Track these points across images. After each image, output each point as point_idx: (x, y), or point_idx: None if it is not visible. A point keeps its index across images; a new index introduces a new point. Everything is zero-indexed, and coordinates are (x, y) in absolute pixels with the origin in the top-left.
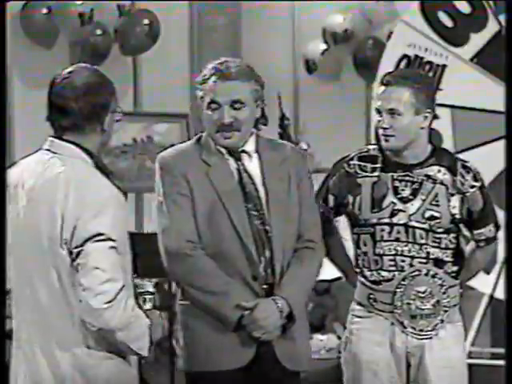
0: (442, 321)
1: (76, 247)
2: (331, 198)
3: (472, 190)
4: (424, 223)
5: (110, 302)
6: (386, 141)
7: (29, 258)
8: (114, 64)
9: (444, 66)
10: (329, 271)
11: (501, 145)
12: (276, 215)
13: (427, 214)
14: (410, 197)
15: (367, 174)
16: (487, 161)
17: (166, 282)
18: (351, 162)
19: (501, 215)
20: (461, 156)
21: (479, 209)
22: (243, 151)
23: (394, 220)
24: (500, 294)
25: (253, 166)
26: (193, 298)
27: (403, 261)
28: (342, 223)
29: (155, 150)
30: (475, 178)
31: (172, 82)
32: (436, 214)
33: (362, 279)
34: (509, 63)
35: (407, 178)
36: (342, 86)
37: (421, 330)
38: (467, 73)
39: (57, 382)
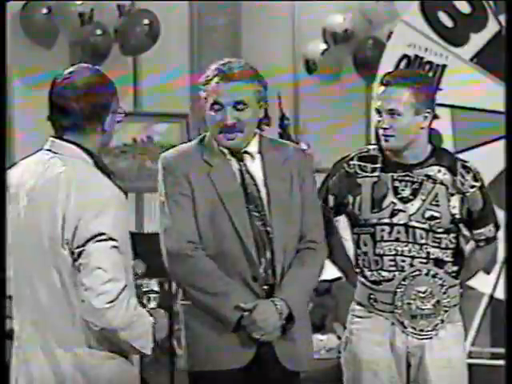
0: (443, 321)
1: (78, 247)
2: (331, 198)
3: (472, 190)
4: (424, 223)
5: (112, 301)
6: (386, 141)
7: (29, 259)
8: (113, 64)
9: (444, 66)
10: (329, 271)
11: (501, 145)
12: (277, 216)
13: (427, 214)
14: (410, 197)
15: (367, 174)
16: (487, 161)
17: (167, 282)
18: (351, 162)
19: (501, 215)
20: (461, 156)
21: (479, 209)
22: (246, 152)
23: (394, 220)
24: (500, 294)
25: (255, 166)
26: (193, 298)
27: (403, 261)
28: (341, 223)
29: (155, 150)
30: (475, 178)
31: (172, 82)
32: (436, 214)
33: (362, 279)
34: (509, 63)
35: (407, 178)
36: (341, 86)
37: (421, 330)
38: (467, 73)
39: (58, 382)
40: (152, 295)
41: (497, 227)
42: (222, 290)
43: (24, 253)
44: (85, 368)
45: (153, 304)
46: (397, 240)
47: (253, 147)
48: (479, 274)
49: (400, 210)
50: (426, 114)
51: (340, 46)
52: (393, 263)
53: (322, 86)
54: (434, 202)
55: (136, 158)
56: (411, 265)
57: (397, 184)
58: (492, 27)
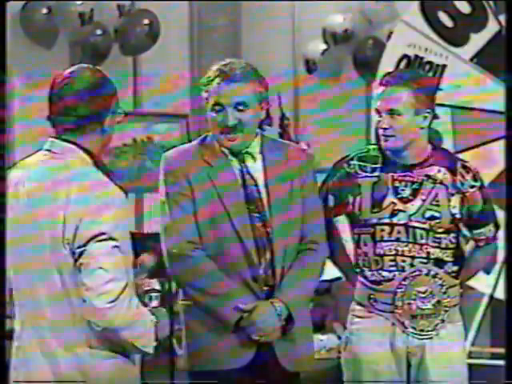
0: (443, 321)
1: (78, 247)
2: (331, 198)
3: (472, 190)
4: (424, 223)
5: (113, 301)
6: (386, 141)
7: (29, 259)
8: (114, 64)
9: (444, 66)
10: (329, 271)
11: (501, 145)
12: (278, 217)
13: (427, 214)
14: (410, 197)
15: (367, 174)
16: (487, 161)
17: (167, 282)
18: (351, 162)
19: (501, 215)
20: (461, 156)
21: (479, 209)
22: (247, 152)
23: (395, 220)
24: (500, 294)
25: (256, 167)
26: (193, 298)
27: (404, 261)
28: (341, 223)
29: (155, 150)
30: (475, 178)
31: (172, 82)
32: (436, 214)
33: (362, 279)
34: (509, 63)
35: (407, 178)
36: (341, 86)
37: (421, 330)
38: (467, 73)
39: (58, 382)
40: (153, 294)
41: (497, 227)
42: (222, 291)
43: (24, 253)
44: (85, 368)
45: (154, 303)
46: (397, 240)
47: (254, 148)
48: (479, 274)
49: (400, 210)
50: (426, 114)
51: (340, 46)
52: (393, 263)
53: (321, 86)
54: (434, 202)
55: (136, 158)
56: (411, 265)
57: (397, 184)
58: (492, 27)
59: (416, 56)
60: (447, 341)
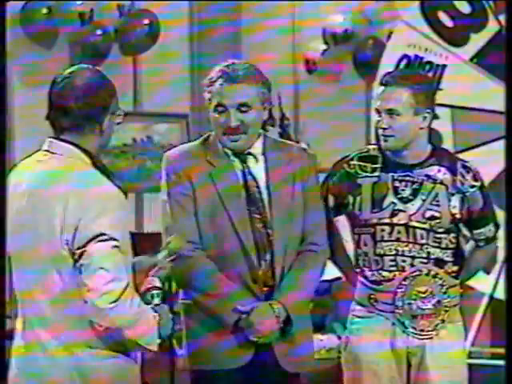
0: (443, 321)
1: (78, 248)
2: (331, 198)
3: (472, 190)
4: (424, 223)
5: (115, 301)
6: (385, 141)
7: (29, 259)
8: (114, 64)
9: (444, 66)
10: (329, 271)
11: (501, 145)
12: (279, 218)
13: (428, 214)
14: (411, 197)
15: (367, 174)
16: (487, 161)
17: (167, 282)
18: (351, 162)
19: (501, 215)
20: (461, 156)
21: (479, 209)
22: (249, 153)
23: (395, 220)
24: (500, 294)
25: (258, 168)
26: (192, 298)
27: (404, 261)
28: (342, 223)
29: (155, 150)
30: (475, 178)
31: (172, 82)
32: (436, 214)
33: (363, 279)
34: (509, 63)
35: (407, 178)
36: (341, 86)
37: (422, 330)
38: (467, 73)
39: (57, 383)
40: (155, 291)
41: (497, 227)
42: (221, 292)
43: (24, 253)
44: (83, 368)
45: (156, 300)
46: (397, 240)
47: (256, 148)
48: (479, 274)
49: (400, 210)
50: (426, 115)
51: (340, 46)
52: (393, 263)
53: (322, 85)
54: (434, 202)
55: (136, 158)
56: (412, 265)
57: (397, 184)
58: (492, 27)
59: (416, 56)
60: (447, 341)
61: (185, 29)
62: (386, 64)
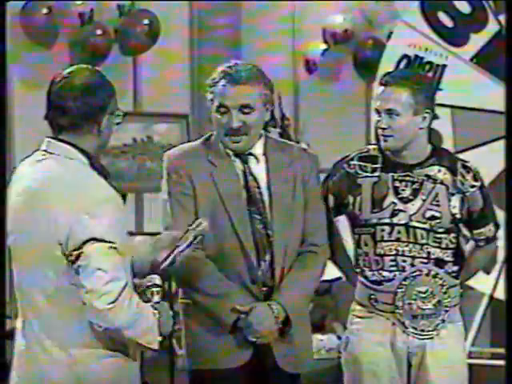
0: (443, 321)
1: (74, 250)
2: (331, 198)
3: (472, 190)
4: (425, 223)
5: (113, 302)
6: (385, 141)
7: (27, 258)
8: (113, 64)
9: (444, 66)
10: (329, 271)
11: (501, 145)
12: (279, 219)
13: (428, 214)
14: (411, 197)
15: (367, 174)
16: (487, 161)
17: (167, 282)
18: (351, 162)
19: (501, 215)
20: (461, 156)
21: (479, 208)
22: (250, 154)
23: (395, 220)
24: (500, 294)
25: (259, 168)
26: (192, 298)
27: (404, 261)
28: (342, 223)
29: (155, 150)
30: (475, 178)
31: (172, 81)
32: (437, 214)
33: (363, 279)
34: (509, 63)
35: (407, 178)
36: (342, 85)
37: (422, 330)
38: (467, 73)
39: (57, 382)
40: (155, 289)
41: (497, 227)
42: (220, 292)
43: (22, 253)
44: (79, 368)
45: (156, 298)
46: (397, 240)
47: (258, 149)
48: (479, 274)
49: (400, 210)
50: (425, 115)
51: (340, 45)
52: (393, 263)
53: (322, 85)
54: (434, 202)
55: (136, 158)
56: (412, 265)
57: (397, 184)
58: (492, 27)
59: (416, 56)
60: (448, 341)
61: (185, 29)
62: (386, 64)
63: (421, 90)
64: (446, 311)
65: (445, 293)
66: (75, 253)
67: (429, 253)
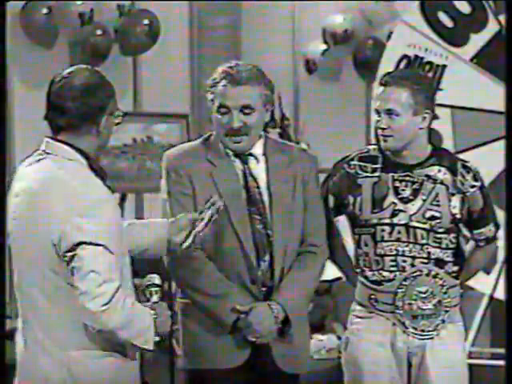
0: (444, 321)
1: (68, 251)
2: (331, 199)
3: (472, 190)
4: (425, 223)
5: (107, 303)
6: (385, 141)
7: (26, 258)
8: (114, 64)
9: (444, 66)
10: (329, 271)
11: (501, 145)
12: (279, 219)
13: (428, 214)
14: (411, 197)
15: (368, 174)
16: (487, 161)
17: (167, 282)
18: (351, 163)
19: (501, 215)
20: (461, 156)
21: (479, 209)
22: (250, 154)
23: (395, 220)
24: (500, 294)
25: (259, 169)
26: (191, 298)
27: (404, 261)
28: (341, 223)
29: (155, 150)
30: (475, 178)
31: (172, 81)
32: (437, 214)
33: (363, 279)
34: (509, 63)
35: (408, 179)
36: (342, 85)
37: (422, 331)
38: (467, 73)
39: (57, 381)
40: (154, 289)
41: (497, 227)
42: (220, 292)
43: (21, 252)
44: (76, 369)
45: (155, 298)
46: (397, 240)
47: (258, 149)
48: (479, 274)
49: (400, 211)
50: (425, 115)
51: (340, 46)
52: (394, 263)
53: (322, 85)
54: (434, 202)
55: (136, 158)
56: (412, 265)
57: (397, 184)
58: (492, 27)
59: (416, 56)
60: (448, 341)
61: (185, 28)
62: (386, 64)
63: (421, 90)
64: (446, 311)
65: (445, 293)
66: (69, 254)
67: (429, 253)
